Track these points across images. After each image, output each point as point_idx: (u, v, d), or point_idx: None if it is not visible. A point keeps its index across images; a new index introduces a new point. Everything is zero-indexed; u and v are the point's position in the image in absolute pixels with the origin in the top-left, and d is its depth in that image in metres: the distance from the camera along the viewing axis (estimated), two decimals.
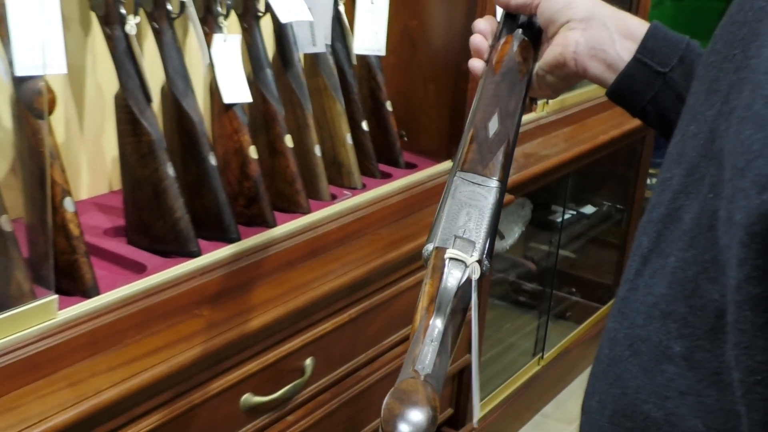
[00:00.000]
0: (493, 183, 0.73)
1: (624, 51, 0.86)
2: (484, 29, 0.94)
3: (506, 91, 0.83)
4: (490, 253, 0.70)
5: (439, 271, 0.66)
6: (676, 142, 0.63)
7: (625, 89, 0.87)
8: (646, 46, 0.85)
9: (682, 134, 0.61)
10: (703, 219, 0.55)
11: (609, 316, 0.65)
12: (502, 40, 0.89)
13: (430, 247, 0.68)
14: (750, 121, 0.48)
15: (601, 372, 0.64)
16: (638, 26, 0.87)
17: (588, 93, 2.40)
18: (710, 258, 0.54)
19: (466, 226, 0.70)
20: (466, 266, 0.66)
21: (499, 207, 0.73)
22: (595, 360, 0.66)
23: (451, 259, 0.67)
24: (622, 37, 0.86)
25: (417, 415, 0.56)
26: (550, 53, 0.89)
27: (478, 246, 0.68)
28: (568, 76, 0.90)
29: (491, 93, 0.82)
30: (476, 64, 0.92)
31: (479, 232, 0.69)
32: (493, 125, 0.79)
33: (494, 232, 0.71)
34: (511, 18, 0.92)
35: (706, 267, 0.54)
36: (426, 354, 0.61)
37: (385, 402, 0.57)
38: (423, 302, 0.65)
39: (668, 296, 0.58)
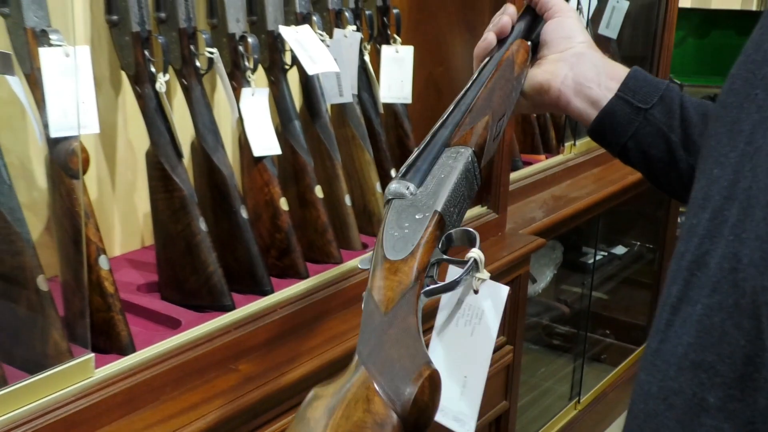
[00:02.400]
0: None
1: (607, 90, 0.91)
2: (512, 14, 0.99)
3: (505, 89, 0.90)
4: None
5: None
6: (700, 186, 0.62)
7: (607, 125, 0.91)
8: (627, 85, 0.90)
9: (707, 178, 0.60)
10: (725, 263, 0.54)
11: (641, 368, 0.63)
12: (515, 41, 0.94)
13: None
14: None
15: (636, 427, 0.62)
16: (622, 70, 0.92)
17: None
18: (733, 302, 0.52)
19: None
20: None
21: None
22: (629, 414, 0.64)
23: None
24: (608, 78, 0.91)
25: None
26: (537, 77, 0.94)
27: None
28: (543, 104, 0.95)
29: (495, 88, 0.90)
30: (490, 37, 0.96)
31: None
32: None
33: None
34: (530, 15, 0.98)
35: (731, 312, 0.53)
36: None
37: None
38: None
39: (696, 345, 0.56)
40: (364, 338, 0.68)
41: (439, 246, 0.77)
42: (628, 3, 2.35)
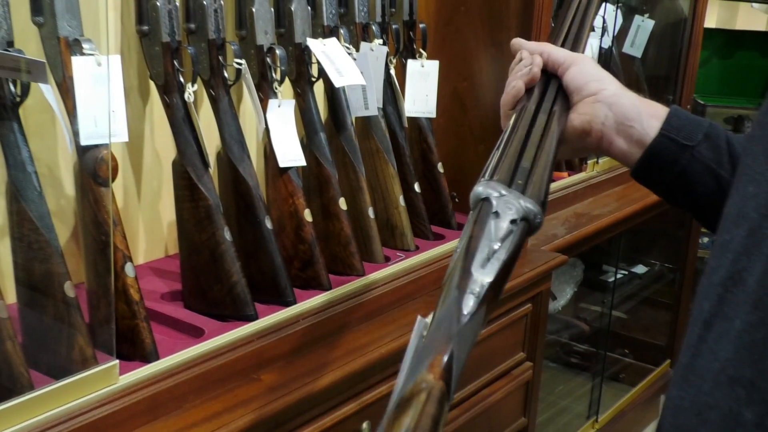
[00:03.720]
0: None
1: (650, 128, 0.89)
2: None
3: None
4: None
5: None
6: (734, 203, 0.62)
7: (653, 164, 0.89)
8: (670, 123, 0.89)
9: (741, 195, 0.61)
10: (767, 279, 0.54)
11: (671, 383, 0.63)
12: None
13: None
14: None
15: None
16: (661, 109, 0.91)
17: None
18: None
19: None
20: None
21: None
22: (658, 430, 0.64)
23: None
24: (648, 116, 0.90)
25: None
26: (576, 120, 0.92)
27: None
28: (584, 148, 0.94)
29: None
30: (519, 85, 0.94)
31: None
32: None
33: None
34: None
35: None
36: None
37: None
38: None
39: (735, 361, 0.56)
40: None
41: None
42: (653, 22, 2.35)
